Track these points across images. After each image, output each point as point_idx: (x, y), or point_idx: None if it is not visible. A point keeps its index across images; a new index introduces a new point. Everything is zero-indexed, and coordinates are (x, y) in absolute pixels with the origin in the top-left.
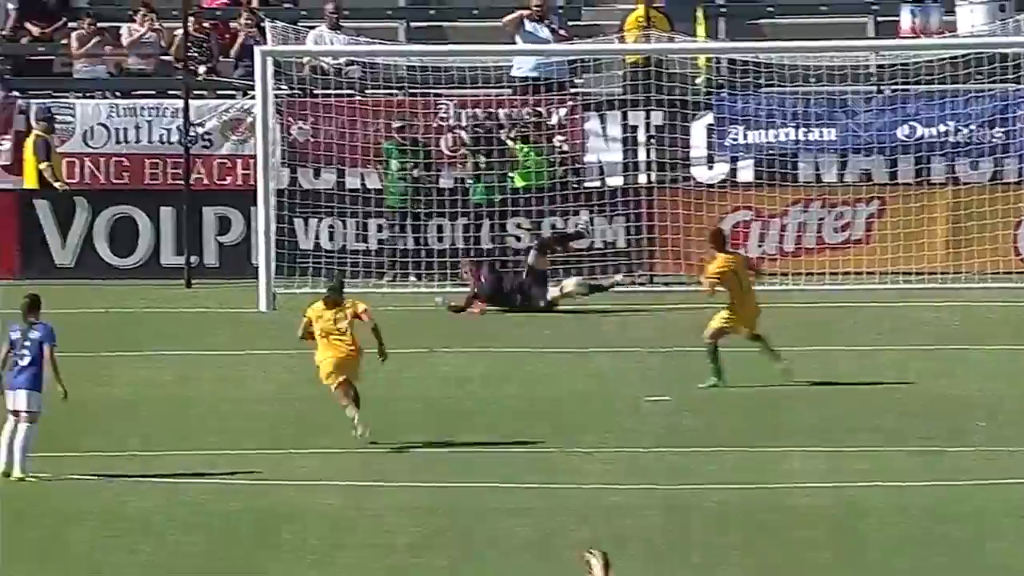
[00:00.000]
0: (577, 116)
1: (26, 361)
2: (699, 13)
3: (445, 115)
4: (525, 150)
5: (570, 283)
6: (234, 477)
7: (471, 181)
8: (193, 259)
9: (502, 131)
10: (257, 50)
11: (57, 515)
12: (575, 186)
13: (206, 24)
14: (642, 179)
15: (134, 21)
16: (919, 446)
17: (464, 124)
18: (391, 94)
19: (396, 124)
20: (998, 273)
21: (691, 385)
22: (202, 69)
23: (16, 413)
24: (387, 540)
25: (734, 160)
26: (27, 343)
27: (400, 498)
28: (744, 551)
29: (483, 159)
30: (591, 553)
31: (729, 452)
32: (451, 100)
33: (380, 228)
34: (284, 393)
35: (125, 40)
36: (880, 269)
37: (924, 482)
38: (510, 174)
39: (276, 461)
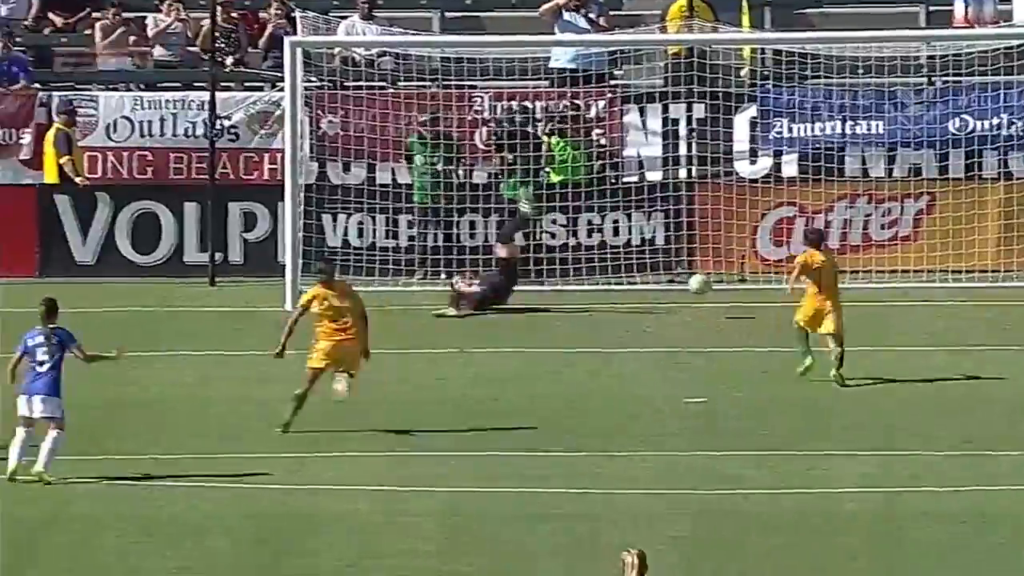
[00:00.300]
0: (616, 109)
1: (46, 367)
2: (744, 2)
3: (480, 108)
4: (561, 144)
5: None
6: (260, 480)
7: (502, 176)
8: (218, 256)
9: (538, 125)
10: (287, 41)
11: (85, 520)
12: (613, 181)
13: (234, 14)
14: (682, 174)
15: (160, 11)
16: (967, 450)
17: (496, 117)
18: (424, 86)
19: (421, 117)
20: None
21: (730, 386)
22: (229, 60)
23: (29, 420)
24: (414, 546)
25: (778, 154)
26: (47, 348)
27: (428, 503)
28: (782, 557)
29: (513, 154)
30: (628, 552)
31: (769, 455)
32: (486, 93)
33: (411, 225)
34: (310, 395)
35: (151, 31)
36: (929, 267)
37: (969, 487)
38: (546, 169)
39: (302, 464)
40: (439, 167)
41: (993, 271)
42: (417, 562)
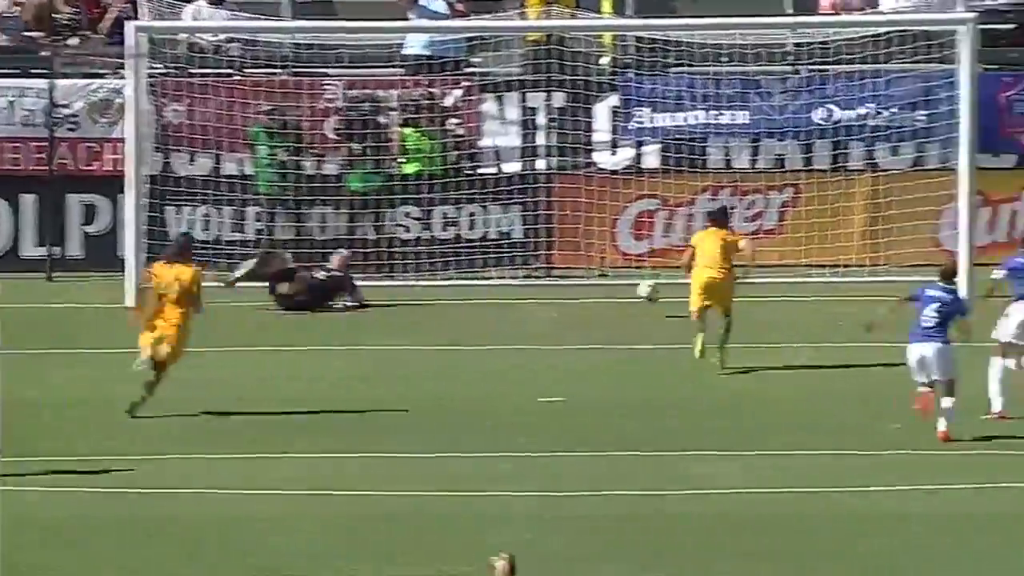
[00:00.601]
0: (473, 98)
1: None
2: None
3: (332, 96)
4: (416, 134)
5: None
6: (115, 482)
7: (347, 168)
8: (56, 250)
9: (391, 114)
10: (130, 25)
11: None
12: (469, 173)
13: None
14: (541, 165)
15: None
16: (834, 449)
17: (341, 106)
18: (273, 74)
19: (264, 107)
20: (919, 265)
21: (588, 385)
22: (70, 45)
23: None
24: (281, 547)
25: (639, 145)
26: None
27: (282, 506)
28: (651, 561)
29: (360, 144)
30: (497, 556)
31: (632, 457)
32: (338, 81)
33: (258, 217)
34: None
35: None
36: (793, 261)
37: (836, 488)
38: (399, 160)
39: (156, 466)
40: (283, 158)
41: (859, 265)
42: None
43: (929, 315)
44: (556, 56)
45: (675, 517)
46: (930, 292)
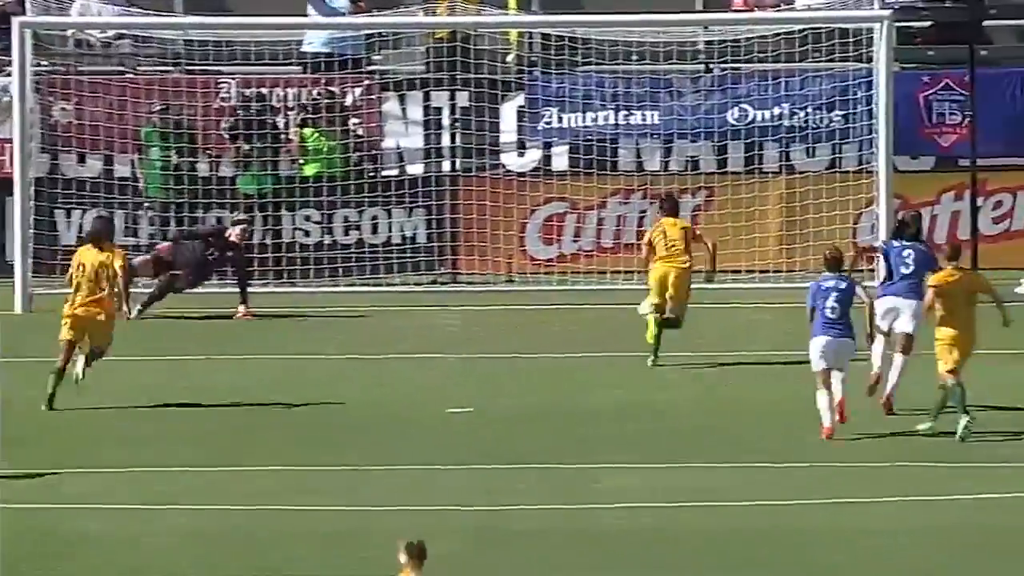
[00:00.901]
0: (374, 97)
1: None
2: None
3: (226, 96)
4: (315, 135)
5: None
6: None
7: (239, 170)
8: None
9: (289, 114)
10: (15, 21)
11: None
12: (371, 175)
13: None
14: (446, 167)
15: None
16: (744, 461)
17: (232, 105)
18: (166, 71)
19: (155, 107)
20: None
21: (497, 394)
22: None
23: None
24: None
25: (547, 146)
26: None
27: (180, 521)
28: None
29: (253, 145)
30: (404, 541)
31: (536, 469)
32: (233, 79)
33: (152, 221)
34: (41, 404)
35: None
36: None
37: (741, 501)
38: (299, 161)
39: (44, 482)
40: (176, 160)
41: (775, 271)
42: None
43: (831, 306)
44: (461, 54)
45: (578, 533)
46: (826, 284)
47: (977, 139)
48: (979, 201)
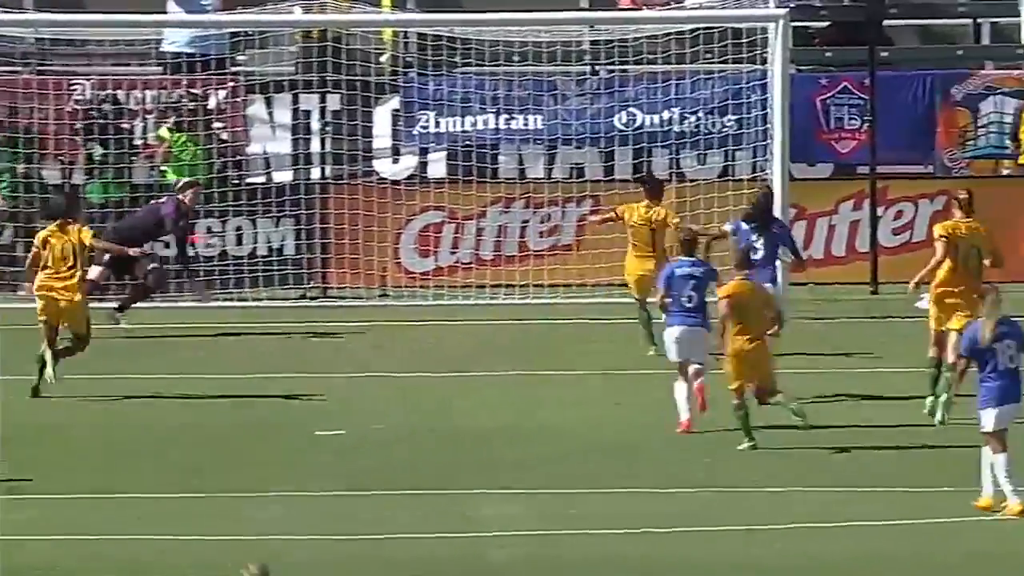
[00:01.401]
0: (239, 99)
1: None
2: None
3: (81, 97)
4: (180, 139)
5: None
6: None
7: (85, 176)
8: None
9: (148, 116)
10: None
11: None
12: (236, 182)
13: None
14: (315, 174)
15: None
16: (626, 488)
17: (82, 108)
18: (15, 72)
19: (4, 109)
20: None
21: (369, 416)
22: None
23: None
24: None
25: (424, 152)
26: None
27: (45, 550)
28: None
29: (105, 150)
30: (246, 569)
31: (411, 495)
32: (88, 80)
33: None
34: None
35: None
36: (593, 280)
37: (621, 529)
38: (161, 168)
39: None
40: (22, 166)
41: None
42: None
43: (687, 295)
44: (331, 54)
45: (455, 561)
46: (681, 271)
47: (877, 145)
48: (879, 211)
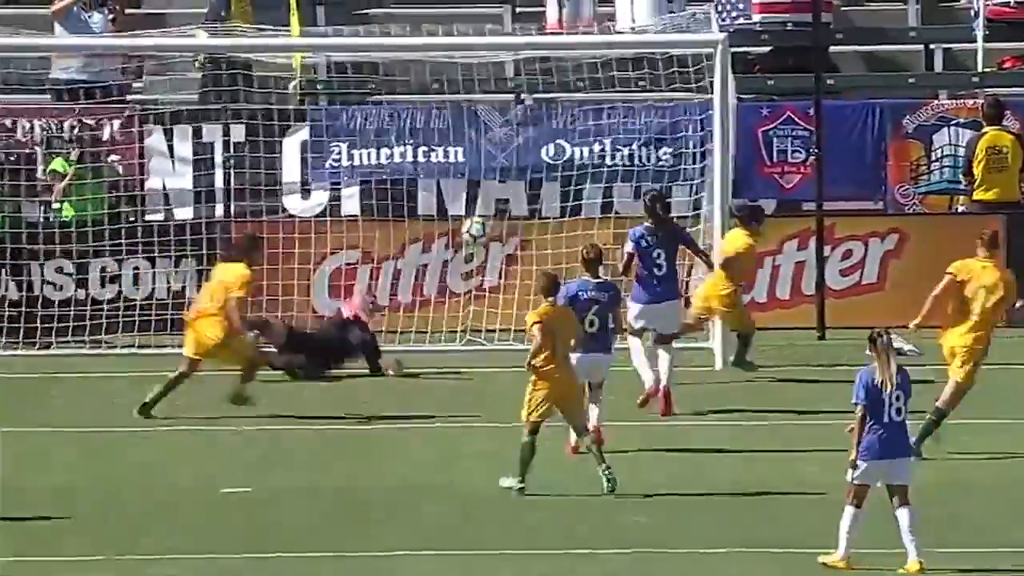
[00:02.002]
0: (135, 130)
1: None
2: (292, 1)
3: None
4: (67, 174)
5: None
6: None
7: None
8: None
9: (37, 148)
10: None
11: None
12: (132, 220)
13: None
14: (218, 211)
15: None
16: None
17: None
18: None
19: None
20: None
21: (278, 471)
22: None
23: None
24: None
25: (336, 187)
26: None
27: None
28: None
29: None
30: None
31: (327, 558)
32: None
33: None
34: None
35: None
36: (519, 326)
37: None
38: (54, 204)
39: None
40: None
41: None
42: None
43: (589, 320)
44: (236, 82)
45: None
46: (586, 295)
47: (824, 180)
48: (826, 250)
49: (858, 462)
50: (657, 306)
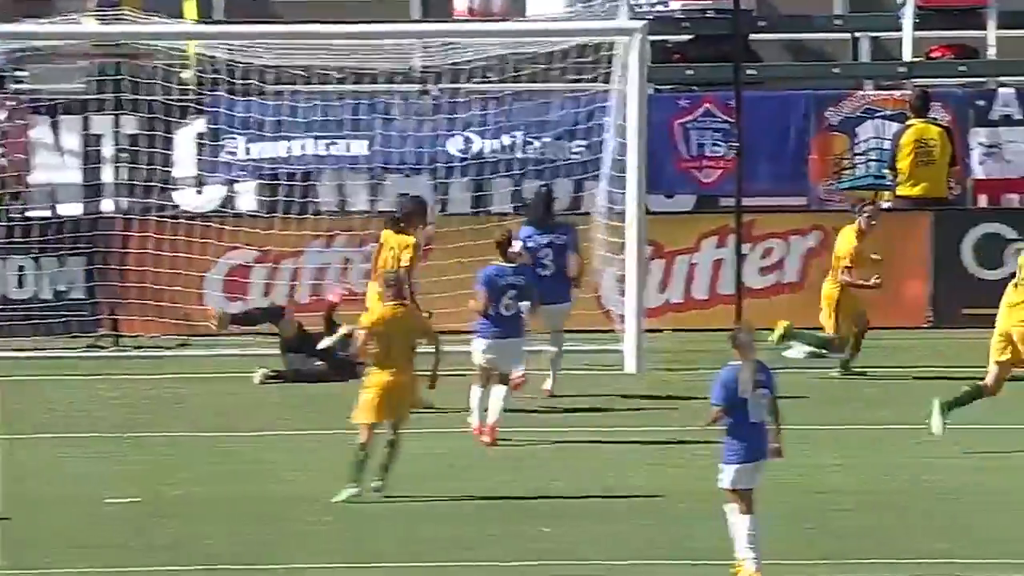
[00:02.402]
0: (19, 122)
1: None
2: None
3: None
4: None
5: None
6: None
7: None
8: None
9: None
10: None
11: None
12: (14, 216)
13: None
14: (107, 207)
15: None
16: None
17: None
18: None
19: None
20: (577, 331)
21: (168, 481)
22: None
23: None
24: None
25: (232, 182)
26: None
27: None
28: None
29: None
30: None
31: (214, 571)
32: None
33: None
34: None
35: None
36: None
37: None
38: None
39: None
40: None
41: None
42: None
43: (505, 304)
44: (126, 71)
45: None
46: (504, 279)
47: (744, 175)
48: (745, 248)
49: (722, 466)
50: (545, 307)
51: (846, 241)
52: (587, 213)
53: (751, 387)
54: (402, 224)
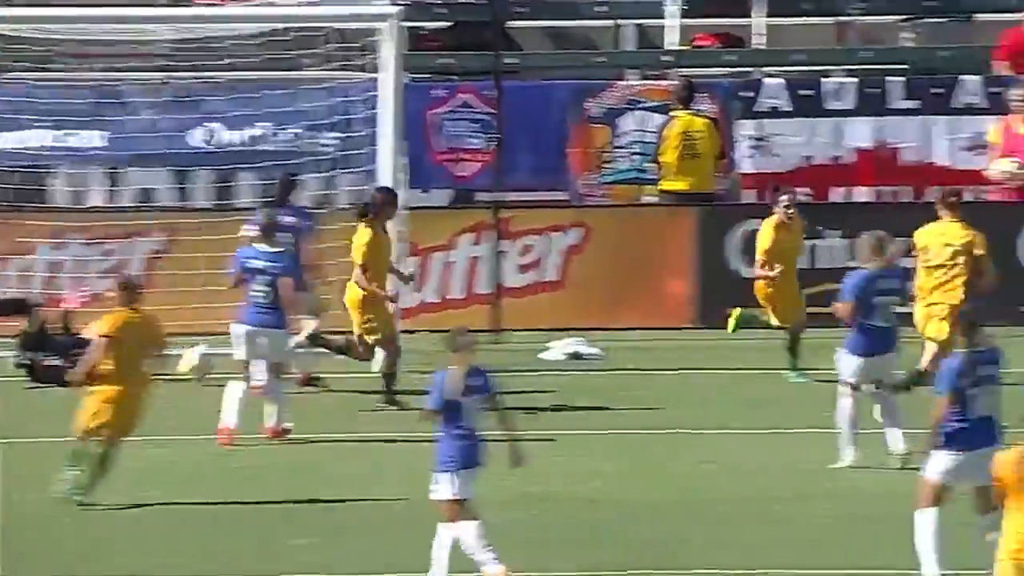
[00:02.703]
0: None
1: None
2: None
3: None
4: None
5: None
6: None
7: None
8: None
9: None
10: None
11: None
12: None
13: None
14: None
15: None
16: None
17: None
18: None
19: None
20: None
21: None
22: None
23: None
24: None
25: None
26: None
27: None
28: None
29: None
30: None
31: None
32: None
33: None
34: None
35: None
36: (193, 332)
37: None
38: None
39: None
40: None
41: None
42: None
43: (258, 290)
44: None
45: None
46: (254, 263)
47: (503, 169)
48: (503, 245)
49: (437, 475)
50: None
51: (765, 235)
52: (342, 209)
53: (462, 391)
54: (370, 217)
